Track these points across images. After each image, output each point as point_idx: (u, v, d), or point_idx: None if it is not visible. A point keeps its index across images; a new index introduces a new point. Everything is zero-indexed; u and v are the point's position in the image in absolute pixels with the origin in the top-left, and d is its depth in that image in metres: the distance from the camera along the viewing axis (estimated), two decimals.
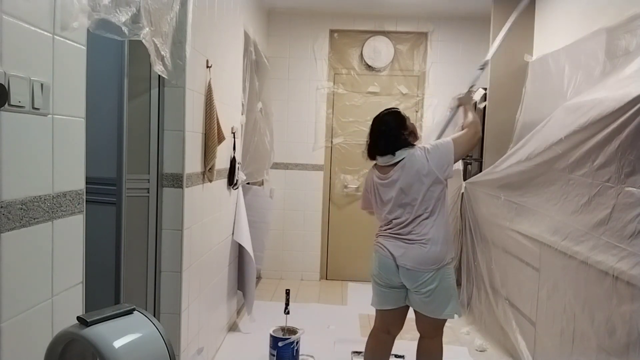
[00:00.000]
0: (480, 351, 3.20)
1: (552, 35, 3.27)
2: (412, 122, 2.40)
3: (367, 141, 2.40)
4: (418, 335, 2.46)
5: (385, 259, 2.31)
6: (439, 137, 2.72)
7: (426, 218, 2.24)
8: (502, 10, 3.61)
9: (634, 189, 1.85)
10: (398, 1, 4.24)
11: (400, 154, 2.27)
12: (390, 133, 2.30)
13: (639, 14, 2.24)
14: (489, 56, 2.92)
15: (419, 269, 2.22)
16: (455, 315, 2.31)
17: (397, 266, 2.27)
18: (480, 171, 3.56)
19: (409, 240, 2.26)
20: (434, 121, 4.56)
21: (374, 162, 2.41)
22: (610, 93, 2.05)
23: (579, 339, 2.22)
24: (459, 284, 3.98)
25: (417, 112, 4.69)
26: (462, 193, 3.81)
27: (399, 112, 2.38)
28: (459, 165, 3.99)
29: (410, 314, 2.43)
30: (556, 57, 2.98)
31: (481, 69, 2.84)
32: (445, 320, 2.35)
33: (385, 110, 2.44)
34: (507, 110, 3.51)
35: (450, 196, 4.22)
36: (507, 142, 3.35)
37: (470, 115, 2.47)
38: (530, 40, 3.56)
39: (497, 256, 3.23)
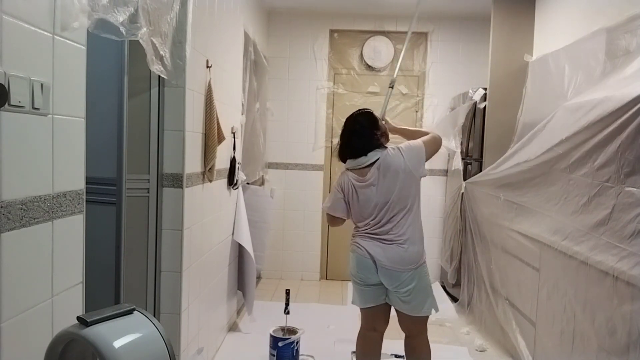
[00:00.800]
0: (480, 351, 3.20)
1: (552, 35, 3.27)
2: (383, 123, 2.43)
3: (338, 142, 2.41)
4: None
5: (363, 258, 2.31)
6: None
7: (402, 217, 2.26)
8: (502, 10, 3.61)
9: (634, 189, 1.85)
10: (398, 1, 4.24)
11: (374, 155, 2.27)
12: (363, 133, 2.31)
13: (639, 14, 2.24)
14: (395, 75, 2.93)
15: (397, 269, 2.24)
16: (433, 311, 2.34)
17: (376, 266, 2.28)
18: (480, 171, 3.56)
19: (386, 240, 2.27)
20: (434, 121, 4.56)
21: (345, 164, 2.40)
22: (611, 93, 2.05)
23: (579, 339, 2.22)
24: (459, 283, 3.99)
25: (417, 112, 4.69)
26: (462, 193, 3.81)
27: (372, 113, 2.40)
28: (459, 165, 3.99)
29: (394, 312, 2.44)
30: (556, 57, 2.98)
31: (391, 87, 2.86)
32: (427, 317, 2.37)
33: (358, 110, 2.45)
34: (507, 110, 3.51)
35: (450, 196, 4.23)
36: (507, 142, 3.35)
37: (414, 128, 2.58)
38: (530, 40, 3.56)
39: (497, 256, 3.23)
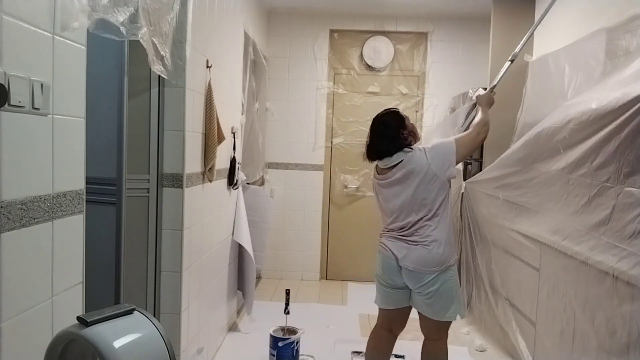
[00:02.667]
0: (480, 351, 3.20)
1: (552, 35, 3.27)
2: (411, 122, 2.37)
3: (366, 142, 2.38)
4: (419, 335, 2.46)
5: (388, 259, 2.30)
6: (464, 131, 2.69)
7: (429, 219, 2.22)
8: (502, 10, 3.61)
9: (634, 189, 1.85)
10: (398, 1, 4.24)
11: (399, 156, 2.25)
12: (388, 134, 2.27)
13: (639, 14, 2.24)
14: (518, 49, 2.81)
15: (421, 270, 2.21)
16: (458, 317, 2.30)
17: (400, 267, 2.26)
18: (481, 171, 3.56)
19: (412, 241, 2.24)
20: (434, 121, 4.56)
21: (375, 163, 2.40)
22: (611, 93, 2.05)
23: (579, 339, 2.22)
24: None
25: (417, 112, 4.69)
26: (462, 193, 3.81)
27: (398, 112, 2.36)
28: (459, 165, 3.99)
29: (414, 314, 2.42)
30: (556, 57, 2.98)
31: (511, 60, 2.76)
32: (449, 323, 2.33)
33: (385, 110, 2.42)
34: (507, 110, 3.51)
35: (451, 196, 4.22)
36: (507, 142, 3.35)
37: (480, 116, 2.43)
38: (530, 40, 3.55)
39: (497, 256, 3.23)
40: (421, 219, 2.23)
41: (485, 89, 3.72)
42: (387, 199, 2.31)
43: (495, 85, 2.65)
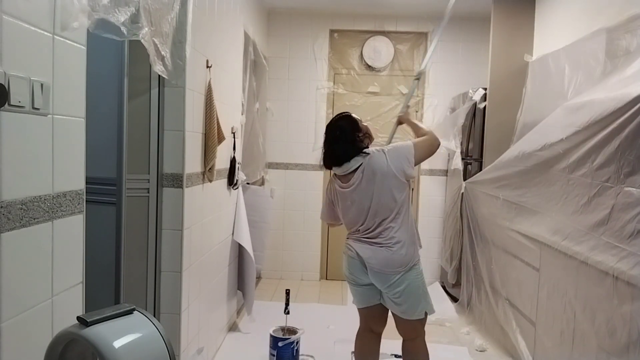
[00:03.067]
0: (480, 351, 3.20)
1: (552, 35, 3.27)
2: (365, 124, 2.37)
3: (322, 150, 2.38)
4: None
5: (352, 259, 2.32)
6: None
7: (392, 220, 2.23)
8: (502, 10, 3.61)
9: (633, 188, 1.85)
10: (398, 1, 4.24)
11: (357, 160, 2.25)
12: (345, 138, 2.26)
13: (639, 14, 2.24)
14: (423, 66, 2.90)
15: (386, 271, 2.23)
16: (428, 314, 2.34)
17: (365, 266, 2.27)
18: (481, 171, 3.56)
19: (376, 243, 2.25)
20: (434, 121, 4.56)
21: (332, 171, 2.40)
22: (611, 93, 2.05)
23: (579, 339, 2.22)
24: (458, 283, 3.99)
25: (417, 112, 4.69)
26: (462, 193, 3.81)
27: (351, 116, 2.36)
28: (459, 165, 4.00)
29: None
30: (556, 57, 2.98)
31: (417, 78, 2.83)
32: (422, 320, 2.35)
33: (337, 115, 2.42)
34: (507, 110, 3.51)
35: (450, 196, 4.23)
36: (507, 142, 3.35)
37: (422, 126, 2.47)
38: (530, 40, 3.56)
39: (497, 256, 3.24)
40: (384, 220, 2.23)
41: (485, 89, 3.74)
42: (349, 205, 2.30)
43: (407, 105, 2.76)
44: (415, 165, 2.27)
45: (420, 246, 2.36)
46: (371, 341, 2.50)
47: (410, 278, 2.25)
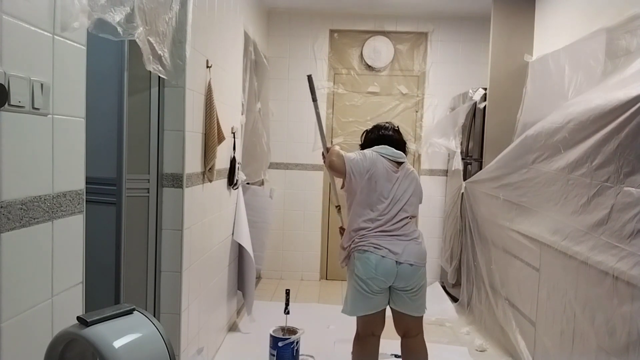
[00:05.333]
0: (480, 351, 3.20)
1: (552, 35, 3.27)
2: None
3: (367, 131, 2.58)
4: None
5: (382, 258, 2.22)
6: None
7: (410, 219, 2.37)
8: (502, 10, 3.61)
9: (633, 188, 1.85)
10: (398, 1, 4.24)
11: (404, 157, 2.46)
12: (397, 137, 2.51)
13: (639, 14, 2.24)
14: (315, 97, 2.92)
15: (419, 264, 2.29)
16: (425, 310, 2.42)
17: (397, 265, 2.22)
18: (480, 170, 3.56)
19: (403, 236, 2.30)
20: (434, 121, 4.56)
21: (369, 148, 2.46)
22: (611, 93, 2.05)
23: (579, 339, 2.22)
24: (459, 283, 3.99)
25: (417, 112, 4.69)
26: (462, 193, 3.81)
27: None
28: (459, 165, 4.00)
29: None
30: (556, 57, 2.98)
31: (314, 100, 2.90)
32: (421, 317, 2.41)
33: (386, 122, 2.63)
34: (507, 110, 3.51)
35: (450, 196, 4.23)
36: (507, 142, 3.35)
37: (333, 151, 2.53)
38: (530, 40, 3.56)
39: (497, 256, 3.24)
40: (406, 217, 2.34)
41: (485, 89, 3.74)
42: (387, 186, 2.31)
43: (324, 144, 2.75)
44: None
45: None
46: (373, 345, 2.47)
47: (425, 273, 2.36)
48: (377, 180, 2.31)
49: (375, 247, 2.25)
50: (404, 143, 2.53)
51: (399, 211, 2.31)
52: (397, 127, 2.59)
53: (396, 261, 2.23)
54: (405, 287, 2.28)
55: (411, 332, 2.40)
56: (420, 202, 2.47)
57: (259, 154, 4.15)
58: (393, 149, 2.42)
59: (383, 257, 2.22)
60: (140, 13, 1.67)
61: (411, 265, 2.25)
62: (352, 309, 2.35)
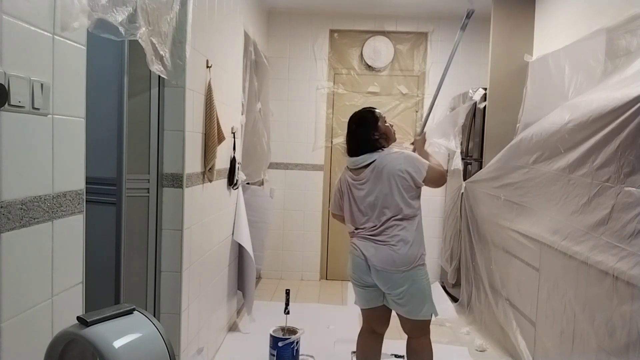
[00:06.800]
0: (480, 351, 3.20)
1: (552, 35, 3.27)
2: (387, 124, 2.38)
3: (346, 138, 2.41)
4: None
5: (357, 259, 2.30)
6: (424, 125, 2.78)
7: (399, 219, 2.23)
8: (502, 10, 3.61)
9: (634, 188, 1.85)
10: (398, 1, 4.24)
11: (370, 157, 2.26)
12: (360, 133, 2.30)
13: (639, 14, 2.24)
14: (438, 89, 2.77)
15: (388, 270, 2.22)
16: (433, 315, 2.33)
17: (369, 266, 2.26)
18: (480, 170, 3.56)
19: (379, 241, 2.25)
20: (434, 121, 4.56)
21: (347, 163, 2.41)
22: (611, 93, 2.05)
23: (579, 339, 2.22)
24: (458, 283, 3.99)
25: (417, 112, 4.69)
26: (462, 193, 3.81)
27: (372, 113, 2.35)
28: (459, 165, 4.00)
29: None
30: (556, 57, 2.98)
31: (435, 96, 2.77)
32: (427, 320, 2.34)
33: (362, 109, 2.42)
34: (507, 110, 3.51)
35: (450, 196, 4.22)
36: (507, 142, 3.35)
37: (434, 160, 2.42)
38: (530, 40, 3.56)
39: (497, 256, 3.24)
40: (391, 218, 2.23)
41: (485, 89, 3.74)
42: (357, 198, 2.31)
43: (424, 127, 2.73)
44: (422, 182, 2.27)
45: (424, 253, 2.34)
46: (373, 341, 2.50)
47: (414, 278, 2.24)
48: (348, 197, 2.36)
49: (353, 247, 2.35)
50: (367, 136, 2.28)
51: (378, 216, 2.25)
52: (369, 112, 2.35)
53: (367, 263, 2.26)
54: (386, 290, 2.28)
55: (412, 333, 2.38)
56: (416, 182, 2.24)
57: (259, 154, 4.14)
58: (353, 157, 2.31)
59: (357, 257, 2.31)
60: (142, 13, 1.67)
61: (378, 270, 2.23)
62: (355, 299, 2.49)
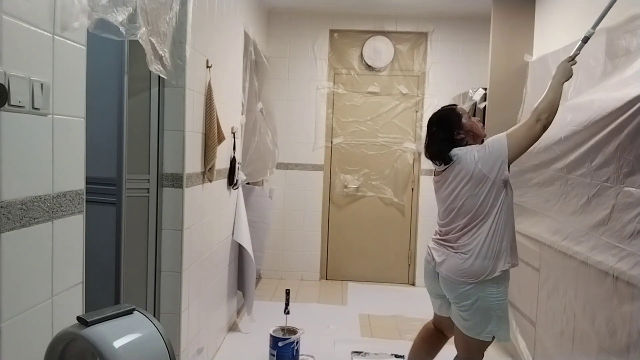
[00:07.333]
0: None
1: (552, 35, 3.27)
2: (472, 119, 2.16)
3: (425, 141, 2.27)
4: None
5: (427, 263, 2.23)
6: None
7: (474, 227, 2.03)
8: (502, 10, 3.61)
9: (633, 188, 1.85)
10: (398, 1, 4.24)
11: (449, 159, 2.08)
12: (440, 136, 2.12)
13: (639, 14, 2.24)
14: (592, 28, 2.21)
15: (453, 279, 2.06)
16: (495, 338, 2.10)
17: (437, 273, 2.15)
18: None
19: (451, 247, 2.10)
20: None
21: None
22: (611, 93, 2.05)
23: (579, 339, 2.22)
24: None
25: (417, 112, 4.69)
26: None
27: (454, 110, 2.17)
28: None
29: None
30: (556, 57, 2.98)
31: (584, 41, 2.20)
32: (482, 343, 2.12)
33: (442, 107, 2.26)
34: (507, 110, 3.51)
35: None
36: None
37: (544, 96, 2.06)
38: (530, 40, 3.56)
39: None
40: (467, 225, 2.05)
41: (485, 89, 3.74)
42: (439, 200, 2.19)
43: (576, 54, 2.16)
44: (513, 160, 2.00)
45: (515, 264, 2.10)
46: (434, 336, 2.39)
47: (483, 294, 2.03)
48: (435, 194, 2.26)
49: (427, 250, 2.26)
50: (448, 137, 2.08)
51: (450, 222, 2.12)
52: (449, 108, 2.18)
53: (435, 269, 2.15)
54: (452, 298, 2.13)
55: (459, 349, 2.22)
56: (494, 180, 1.97)
57: (262, 154, 4.13)
58: (432, 160, 2.17)
59: (427, 261, 2.24)
60: (142, 13, 1.67)
61: (443, 277, 2.10)
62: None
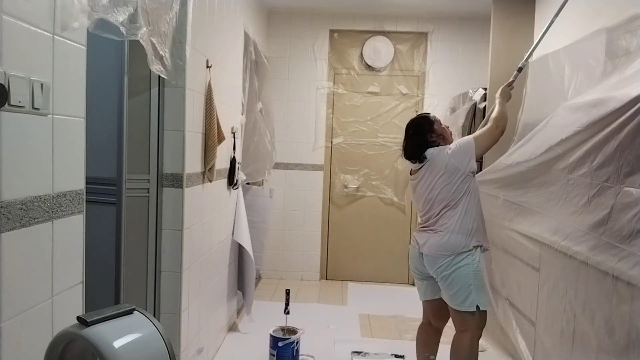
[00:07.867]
0: (481, 351, 3.19)
1: (552, 35, 3.27)
2: (442, 126, 2.52)
3: (403, 143, 2.59)
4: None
5: (413, 248, 2.51)
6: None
7: (450, 209, 2.37)
8: (502, 10, 3.61)
9: (633, 188, 1.85)
10: (398, 1, 4.24)
11: (424, 157, 2.43)
12: (417, 137, 2.47)
13: (639, 14, 2.24)
14: (530, 54, 2.88)
15: (433, 254, 2.36)
16: (479, 307, 2.33)
17: (421, 254, 2.43)
18: (481, 171, 3.56)
19: (432, 230, 2.42)
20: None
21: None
22: (611, 93, 2.05)
23: (579, 339, 2.22)
24: None
25: (417, 112, 4.69)
26: None
27: (428, 117, 2.53)
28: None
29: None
30: (556, 57, 2.98)
31: (518, 71, 2.86)
32: (471, 315, 2.35)
33: (418, 114, 2.67)
34: (508, 110, 3.50)
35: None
36: (507, 142, 3.34)
37: (497, 109, 2.57)
38: (530, 40, 3.55)
39: (497, 256, 3.23)
40: (443, 209, 2.38)
41: (485, 89, 3.74)
42: (415, 194, 2.53)
43: (512, 81, 2.77)
44: (479, 156, 2.45)
45: (486, 248, 2.46)
46: (429, 334, 2.63)
47: (460, 265, 2.33)
48: (412, 196, 2.62)
49: (412, 239, 2.56)
50: (423, 139, 2.45)
51: (429, 209, 2.44)
52: (423, 115, 2.58)
53: (419, 251, 2.44)
54: (433, 272, 2.40)
55: (456, 325, 2.45)
56: (464, 172, 2.35)
57: (261, 154, 4.13)
58: (410, 160, 2.52)
59: (413, 246, 2.52)
60: (143, 13, 1.67)
61: (426, 255, 2.40)
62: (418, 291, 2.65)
